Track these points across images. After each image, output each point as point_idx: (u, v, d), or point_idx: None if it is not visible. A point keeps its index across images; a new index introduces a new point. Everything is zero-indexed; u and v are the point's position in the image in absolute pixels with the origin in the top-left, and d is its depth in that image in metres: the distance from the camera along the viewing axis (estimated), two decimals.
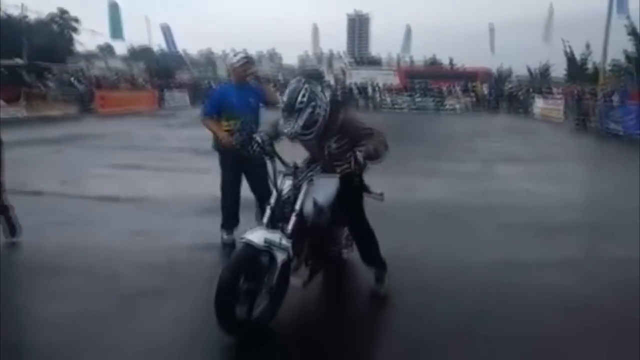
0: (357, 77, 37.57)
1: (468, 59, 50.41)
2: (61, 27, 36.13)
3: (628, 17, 24.48)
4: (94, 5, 36.18)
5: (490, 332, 3.19)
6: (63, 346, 2.94)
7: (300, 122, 3.14)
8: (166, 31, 36.29)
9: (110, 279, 3.89)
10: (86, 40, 54.99)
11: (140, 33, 36.43)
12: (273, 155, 3.26)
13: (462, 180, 8.26)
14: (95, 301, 3.48)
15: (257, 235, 2.92)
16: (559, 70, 41.63)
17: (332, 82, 37.73)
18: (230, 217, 4.75)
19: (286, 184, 3.18)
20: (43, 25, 33.63)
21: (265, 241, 2.89)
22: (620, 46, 27.36)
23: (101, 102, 22.35)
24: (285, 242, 2.94)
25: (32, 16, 31.48)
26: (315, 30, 46.78)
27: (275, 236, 2.93)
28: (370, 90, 31.88)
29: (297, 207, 3.07)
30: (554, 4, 32.45)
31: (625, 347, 3.01)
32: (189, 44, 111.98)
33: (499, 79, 40.85)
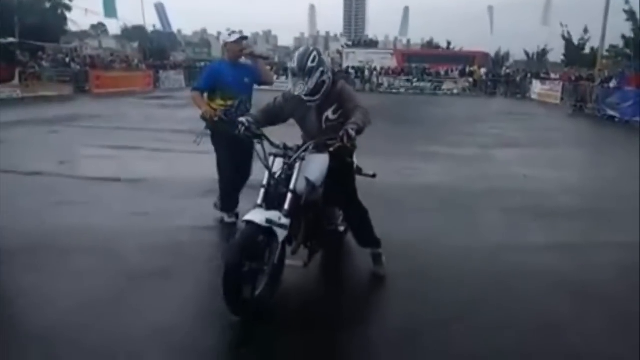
0: (354, 59, 37.28)
1: (466, 41, 50.22)
2: (54, 5, 35.53)
3: (627, 2, 24.39)
4: None
5: (488, 316, 3.25)
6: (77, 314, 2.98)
7: (311, 84, 3.22)
8: (160, 10, 35.82)
9: (115, 259, 3.91)
10: (79, 19, 54.11)
11: (134, 12, 36.00)
12: (261, 137, 3.28)
13: (459, 164, 8.28)
14: (103, 280, 3.52)
15: (257, 215, 2.98)
16: (557, 54, 41.59)
17: (329, 64, 37.42)
18: (229, 198, 4.72)
19: (277, 164, 3.21)
20: (36, 2, 33.06)
21: (267, 220, 2.94)
22: (618, 31, 27.31)
23: (96, 82, 22.15)
24: (284, 220, 3.00)
25: None
26: (313, 10, 46.20)
27: (275, 215, 2.99)
28: (367, 72, 31.70)
29: (292, 186, 3.11)
30: None
31: (625, 332, 3.06)
32: (184, 24, 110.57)
33: (496, 62, 40.73)
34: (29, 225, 4.59)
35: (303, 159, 3.16)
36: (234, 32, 4.79)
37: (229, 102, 4.54)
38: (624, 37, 27.54)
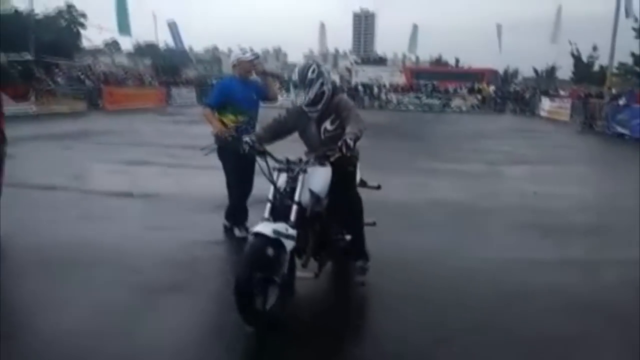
0: (363, 75, 37.59)
1: (474, 59, 50.41)
2: (68, 22, 36.26)
3: (636, 20, 24.47)
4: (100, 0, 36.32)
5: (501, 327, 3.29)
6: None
7: (311, 94, 3.48)
8: (173, 28, 36.44)
9: (129, 272, 3.99)
10: (92, 36, 55.10)
11: (146, 29, 36.64)
12: (264, 153, 3.41)
13: (468, 180, 8.31)
14: (119, 293, 3.60)
15: (265, 227, 3.08)
16: (565, 71, 41.66)
17: (338, 81, 37.74)
18: (239, 211, 4.82)
19: (281, 179, 3.34)
20: (51, 20, 33.75)
21: (274, 231, 3.05)
22: (627, 48, 27.37)
23: (109, 98, 22.52)
24: (291, 231, 3.11)
25: (39, 11, 31.63)
26: (322, 28, 46.71)
27: (282, 226, 3.10)
28: (375, 89, 31.92)
29: (297, 197, 3.24)
30: (562, 5, 32.40)
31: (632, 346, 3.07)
32: (195, 41, 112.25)
33: (505, 80, 40.83)
34: (45, 239, 4.69)
35: (305, 171, 3.30)
36: (247, 51, 4.94)
37: (240, 118, 4.69)
38: (633, 54, 27.59)
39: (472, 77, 35.24)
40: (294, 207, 3.22)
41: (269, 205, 3.28)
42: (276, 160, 3.40)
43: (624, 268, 4.41)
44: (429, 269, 4.22)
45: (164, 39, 42.70)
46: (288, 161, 3.38)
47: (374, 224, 4.26)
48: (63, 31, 34.09)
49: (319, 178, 3.41)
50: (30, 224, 5.10)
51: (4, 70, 17.98)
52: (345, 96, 3.82)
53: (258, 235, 3.06)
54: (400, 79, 36.73)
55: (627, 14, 20.35)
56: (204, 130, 5.14)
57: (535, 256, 4.69)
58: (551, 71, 43.77)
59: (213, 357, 2.90)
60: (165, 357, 2.87)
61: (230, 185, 4.86)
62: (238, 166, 4.54)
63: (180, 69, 42.86)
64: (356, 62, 54.38)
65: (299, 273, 3.37)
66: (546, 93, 30.02)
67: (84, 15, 36.90)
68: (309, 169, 3.33)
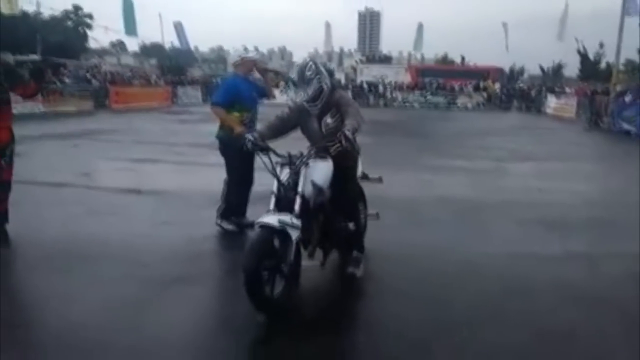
0: (368, 74, 37.51)
1: (480, 56, 50.27)
2: (75, 23, 36.53)
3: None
4: (107, 1, 36.56)
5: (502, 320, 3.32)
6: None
7: (310, 91, 3.60)
8: (179, 28, 36.58)
9: (138, 266, 4.06)
10: (99, 37, 55.43)
11: (151, 30, 36.87)
12: (267, 149, 3.53)
13: (474, 177, 8.32)
14: (128, 286, 3.66)
15: (270, 218, 3.18)
16: (572, 68, 41.46)
17: (343, 79, 37.73)
18: (239, 205, 4.90)
19: (284, 173, 3.44)
20: (57, 21, 34.02)
21: (279, 222, 3.13)
22: (634, 45, 27.22)
23: (116, 98, 22.64)
24: (296, 221, 3.20)
25: (46, 12, 31.89)
26: (328, 27, 46.68)
27: (286, 217, 3.20)
28: (381, 87, 31.89)
29: (300, 189, 3.34)
30: (568, 3, 32.22)
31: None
32: (200, 41, 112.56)
33: (511, 77, 40.68)
34: (54, 234, 4.77)
35: (307, 164, 3.40)
36: (250, 51, 5.11)
37: (245, 115, 4.80)
38: (639, 51, 27.43)
39: (477, 75, 35.05)
40: (298, 199, 3.31)
41: (273, 198, 3.38)
42: (279, 156, 3.50)
43: (630, 262, 4.41)
44: (433, 264, 4.25)
45: (169, 39, 42.84)
46: (290, 155, 3.48)
47: (377, 215, 4.30)
48: (70, 32, 34.37)
49: (321, 170, 3.50)
50: (39, 219, 5.19)
51: (14, 71, 18.05)
52: (343, 92, 3.99)
53: (264, 226, 3.15)
54: (406, 77, 36.59)
55: (628, 12, 20.16)
56: (209, 128, 5.21)
57: (540, 251, 4.70)
58: (558, 69, 43.55)
59: (221, 347, 2.95)
60: (174, 348, 2.92)
61: (232, 181, 4.94)
62: (242, 163, 4.65)
63: (186, 68, 42.99)
64: (361, 61, 54.33)
65: (305, 262, 3.46)
66: (552, 90, 29.89)
67: (90, 17, 37.25)
68: (311, 162, 3.43)
